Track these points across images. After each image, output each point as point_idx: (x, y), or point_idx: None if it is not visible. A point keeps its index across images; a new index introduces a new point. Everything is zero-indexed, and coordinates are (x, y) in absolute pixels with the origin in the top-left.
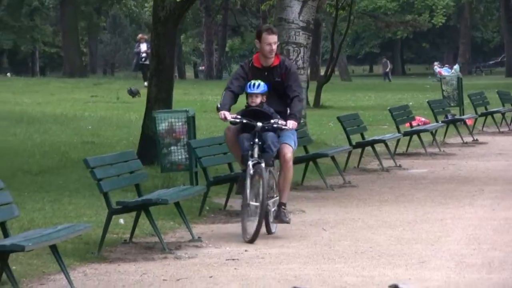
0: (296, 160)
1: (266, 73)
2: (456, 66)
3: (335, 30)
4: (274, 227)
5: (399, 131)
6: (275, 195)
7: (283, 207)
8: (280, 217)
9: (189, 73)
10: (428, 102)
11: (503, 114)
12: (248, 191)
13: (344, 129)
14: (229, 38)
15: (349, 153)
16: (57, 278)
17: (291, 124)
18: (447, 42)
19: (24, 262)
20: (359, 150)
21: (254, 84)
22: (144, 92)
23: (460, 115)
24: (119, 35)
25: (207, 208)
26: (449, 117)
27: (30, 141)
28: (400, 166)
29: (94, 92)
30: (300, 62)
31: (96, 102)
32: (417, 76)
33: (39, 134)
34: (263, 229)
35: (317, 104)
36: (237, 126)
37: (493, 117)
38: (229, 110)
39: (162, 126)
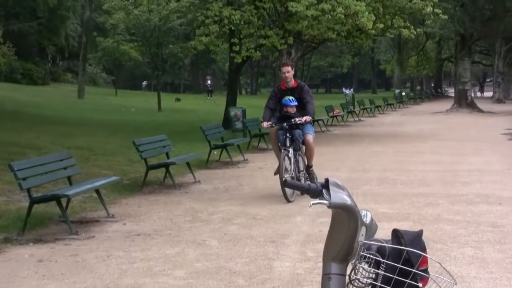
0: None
1: (289, 92)
2: (351, 89)
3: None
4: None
5: (328, 115)
6: (303, 170)
7: (311, 168)
8: (310, 178)
9: (243, 93)
10: (340, 104)
11: (371, 108)
12: (283, 168)
13: None
14: (260, 77)
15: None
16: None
17: (305, 118)
18: (350, 78)
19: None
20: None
21: (291, 99)
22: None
23: (353, 109)
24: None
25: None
26: (349, 110)
27: (180, 119)
28: (329, 130)
29: (205, 100)
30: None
31: (205, 104)
32: (336, 94)
33: (182, 116)
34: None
35: None
36: (276, 127)
37: (366, 110)
38: (269, 120)
39: (232, 113)
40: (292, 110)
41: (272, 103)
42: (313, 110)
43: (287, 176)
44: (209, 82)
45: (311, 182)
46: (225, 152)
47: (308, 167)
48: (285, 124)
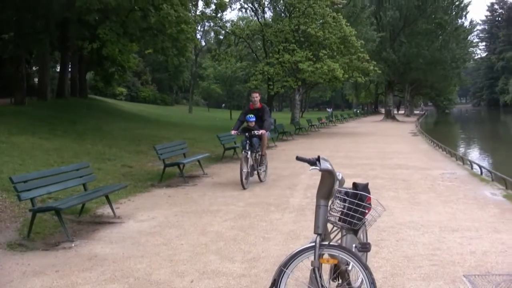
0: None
1: (255, 111)
2: (331, 109)
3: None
4: (264, 179)
5: (318, 122)
6: (262, 164)
7: (263, 155)
8: (262, 162)
9: (274, 110)
10: (325, 116)
11: (341, 119)
12: (243, 165)
13: (308, 120)
14: (282, 101)
15: (310, 127)
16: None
17: (261, 131)
18: (330, 102)
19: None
20: (311, 126)
21: (251, 116)
22: None
23: (332, 119)
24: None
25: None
26: (330, 119)
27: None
28: (319, 130)
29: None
30: (298, 107)
31: None
32: (323, 111)
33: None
34: (256, 178)
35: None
36: (241, 135)
37: (339, 120)
38: (237, 129)
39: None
40: (252, 124)
41: (242, 117)
42: (269, 126)
43: (244, 171)
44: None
45: (260, 165)
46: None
47: (261, 155)
48: (246, 134)
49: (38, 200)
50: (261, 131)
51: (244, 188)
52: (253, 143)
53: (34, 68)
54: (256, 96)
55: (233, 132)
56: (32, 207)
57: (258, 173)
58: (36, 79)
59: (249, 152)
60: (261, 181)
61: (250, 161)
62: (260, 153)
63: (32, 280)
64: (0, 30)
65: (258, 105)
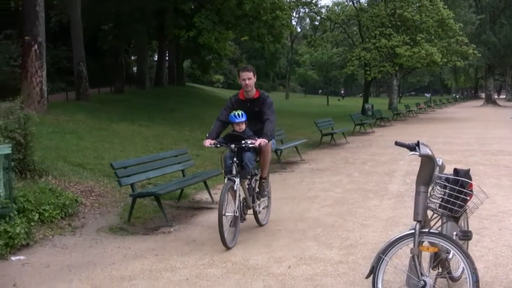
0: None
1: (248, 104)
2: (429, 94)
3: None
4: (265, 220)
5: (417, 107)
6: (261, 198)
7: (263, 180)
8: (261, 192)
9: (371, 95)
10: (424, 101)
11: (439, 104)
12: (226, 203)
13: (405, 106)
14: (379, 87)
15: (408, 112)
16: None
17: (260, 141)
18: (428, 87)
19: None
20: (408, 112)
21: (237, 114)
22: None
23: (430, 104)
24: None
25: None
26: (428, 105)
27: (338, 110)
28: (418, 116)
29: (339, 100)
30: (396, 93)
31: (345, 102)
32: (421, 96)
33: (339, 108)
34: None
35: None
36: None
37: (437, 105)
38: (214, 138)
39: (366, 106)
40: (239, 128)
41: (225, 115)
42: (272, 130)
43: (228, 215)
44: (342, 91)
45: (261, 195)
46: (362, 127)
47: (261, 179)
48: (233, 146)
49: (138, 186)
50: (259, 141)
51: (228, 248)
52: (245, 162)
53: (132, 58)
54: (249, 78)
55: (207, 143)
56: (132, 192)
57: (254, 212)
58: (134, 68)
59: (237, 180)
60: (260, 224)
61: (240, 194)
62: (257, 176)
63: (132, 263)
64: (100, 22)
65: (253, 93)
